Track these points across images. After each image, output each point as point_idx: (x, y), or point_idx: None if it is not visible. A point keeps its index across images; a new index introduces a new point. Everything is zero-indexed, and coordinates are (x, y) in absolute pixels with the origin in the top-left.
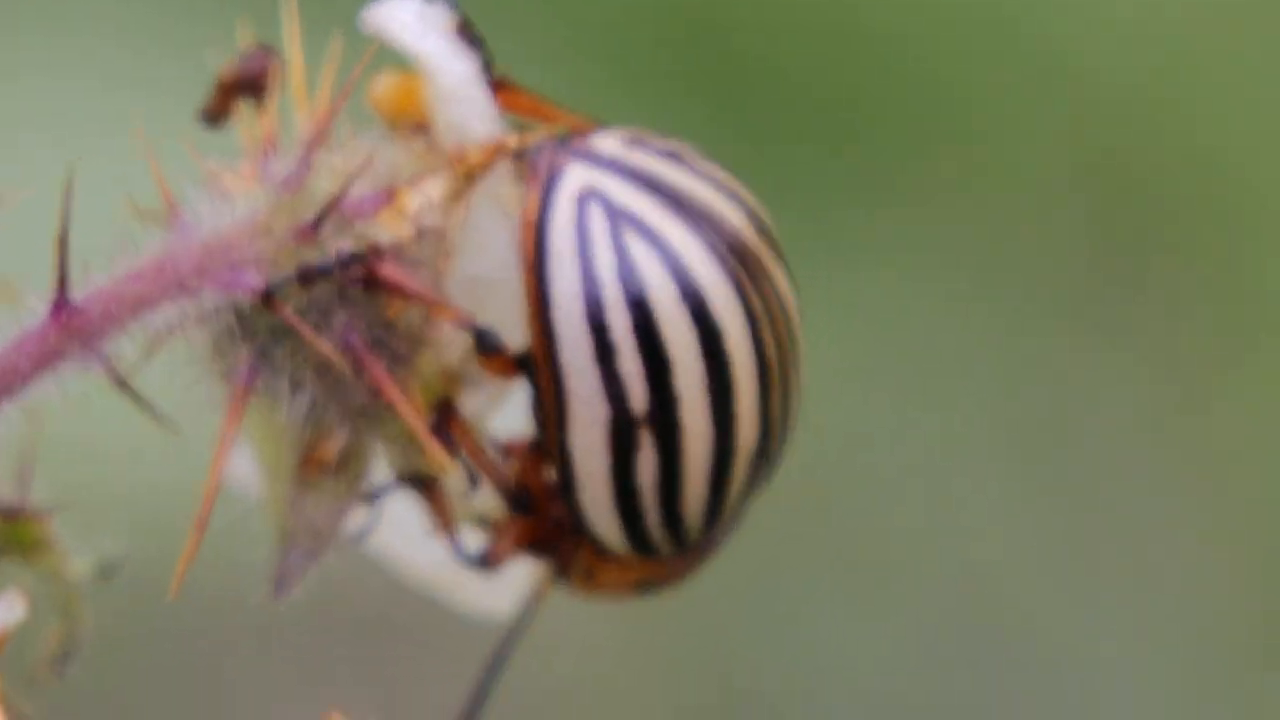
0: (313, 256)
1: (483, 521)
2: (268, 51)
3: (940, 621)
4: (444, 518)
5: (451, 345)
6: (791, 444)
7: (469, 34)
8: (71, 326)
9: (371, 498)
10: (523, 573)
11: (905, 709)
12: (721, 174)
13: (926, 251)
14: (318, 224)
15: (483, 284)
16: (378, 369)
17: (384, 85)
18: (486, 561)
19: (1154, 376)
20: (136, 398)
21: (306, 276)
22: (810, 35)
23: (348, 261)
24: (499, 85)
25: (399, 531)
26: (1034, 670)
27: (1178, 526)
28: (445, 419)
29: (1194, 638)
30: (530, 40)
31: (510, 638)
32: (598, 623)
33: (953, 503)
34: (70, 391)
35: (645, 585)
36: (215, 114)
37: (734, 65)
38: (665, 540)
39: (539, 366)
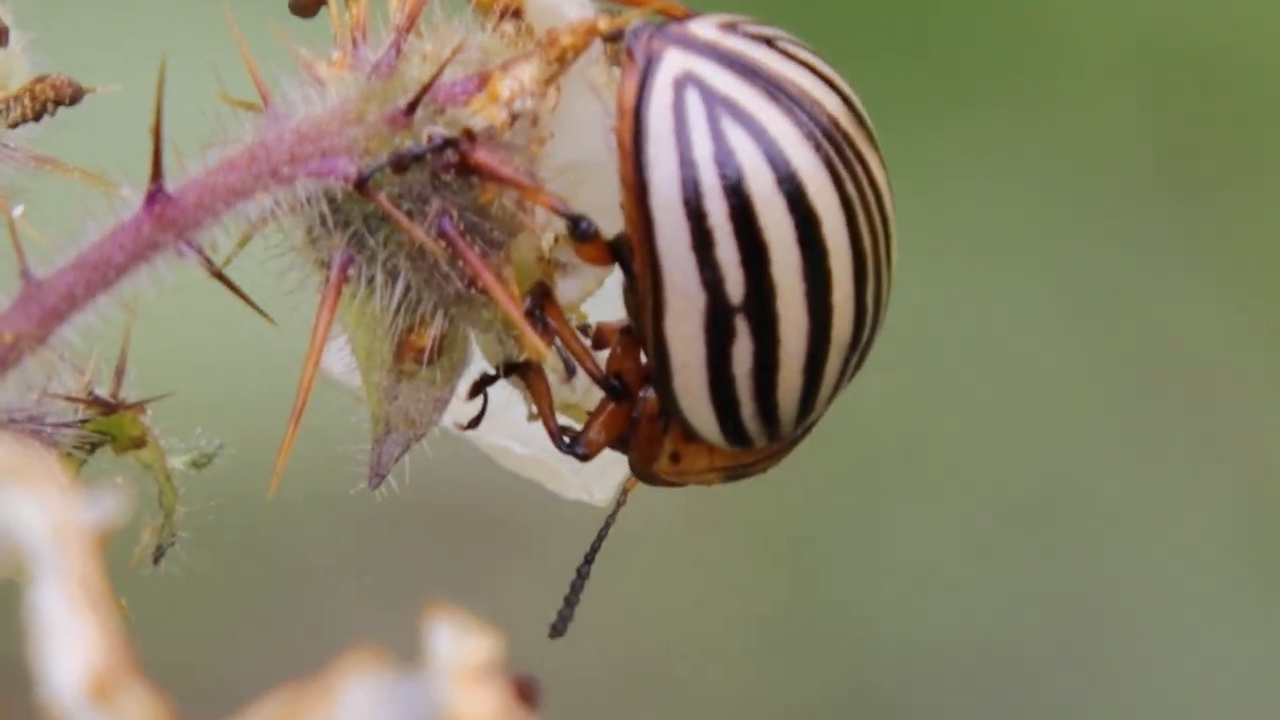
0: (406, 143)
1: (578, 409)
2: None
3: (1010, 513)
4: (542, 405)
5: (546, 231)
6: (880, 334)
7: None
8: (166, 217)
9: (473, 389)
10: (620, 458)
11: (980, 606)
12: (817, 59)
13: (995, 156)
14: (410, 110)
15: (577, 169)
16: (473, 255)
17: None
18: (582, 449)
19: (1221, 270)
20: (232, 287)
21: (400, 163)
22: None
23: (441, 147)
24: None
25: (497, 420)
26: (1109, 559)
27: (1248, 410)
28: (541, 305)
29: (1268, 518)
30: None
31: (601, 532)
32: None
33: (1024, 396)
34: (165, 283)
35: (732, 472)
36: (307, 2)
37: None
38: (759, 431)
39: (635, 253)
